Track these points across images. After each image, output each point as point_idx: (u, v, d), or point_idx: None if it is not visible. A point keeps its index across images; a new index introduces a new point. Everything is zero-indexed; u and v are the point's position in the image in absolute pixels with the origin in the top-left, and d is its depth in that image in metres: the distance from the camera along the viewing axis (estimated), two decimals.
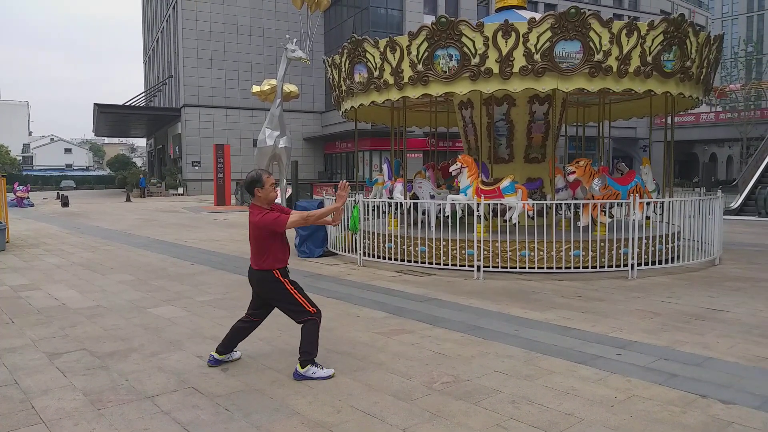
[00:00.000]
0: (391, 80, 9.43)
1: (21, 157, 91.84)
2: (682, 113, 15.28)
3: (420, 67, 8.98)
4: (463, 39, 8.58)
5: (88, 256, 11.67)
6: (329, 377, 4.50)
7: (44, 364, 4.95)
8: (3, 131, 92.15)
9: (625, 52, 8.48)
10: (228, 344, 4.88)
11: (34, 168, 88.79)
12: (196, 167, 42.37)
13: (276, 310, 4.79)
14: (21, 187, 31.60)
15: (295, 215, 4.51)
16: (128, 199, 36.26)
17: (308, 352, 4.53)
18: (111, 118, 46.53)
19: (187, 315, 6.64)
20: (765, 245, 12.57)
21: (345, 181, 4.76)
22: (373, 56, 9.57)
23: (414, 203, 10.47)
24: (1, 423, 3.79)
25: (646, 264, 8.94)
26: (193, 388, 4.36)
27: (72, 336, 5.82)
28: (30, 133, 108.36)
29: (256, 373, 4.68)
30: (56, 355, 5.21)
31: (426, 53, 8.86)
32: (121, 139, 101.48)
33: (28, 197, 31.47)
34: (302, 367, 4.51)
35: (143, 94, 53.61)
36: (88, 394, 4.27)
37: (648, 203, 10.01)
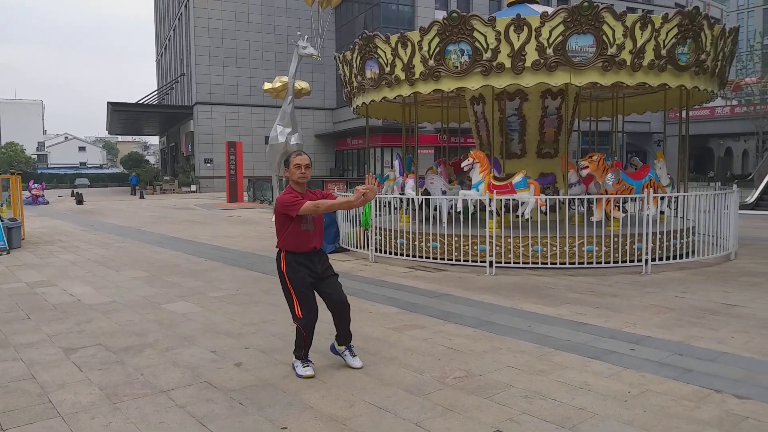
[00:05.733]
0: (402, 76, 9.42)
1: (36, 156, 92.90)
2: (696, 107, 15.11)
3: (431, 62, 8.96)
4: (475, 34, 8.55)
5: (102, 252, 11.79)
6: (302, 377, 4.43)
7: (60, 359, 5.01)
8: (18, 130, 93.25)
9: (639, 45, 8.41)
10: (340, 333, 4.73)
11: (49, 166, 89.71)
12: (209, 164, 42.62)
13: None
14: (36, 185, 31.93)
15: (308, 204, 4.36)
16: (141, 197, 36.55)
17: (295, 349, 4.61)
18: (124, 116, 46.90)
19: (200, 311, 6.69)
20: None
21: (372, 175, 4.61)
22: (385, 52, 9.57)
23: (425, 199, 10.47)
24: (19, 416, 3.84)
25: (660, 259, 8.88)
26: (207, 383, 4.40)
27: (87, 331, 5.88)
28: (44, 132, 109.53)
29: (268, 368, 4.71)
30: (72, 350, 5.27)
31: (437, 48, 8.84)
32: (135, 137, 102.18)
33: (43, 195, 31.81)
34: (294, 357, 4.63)
35: (156, 92, 53.93)
36: (104, 388, 4.32)
37: (662, 198, 9.92)
